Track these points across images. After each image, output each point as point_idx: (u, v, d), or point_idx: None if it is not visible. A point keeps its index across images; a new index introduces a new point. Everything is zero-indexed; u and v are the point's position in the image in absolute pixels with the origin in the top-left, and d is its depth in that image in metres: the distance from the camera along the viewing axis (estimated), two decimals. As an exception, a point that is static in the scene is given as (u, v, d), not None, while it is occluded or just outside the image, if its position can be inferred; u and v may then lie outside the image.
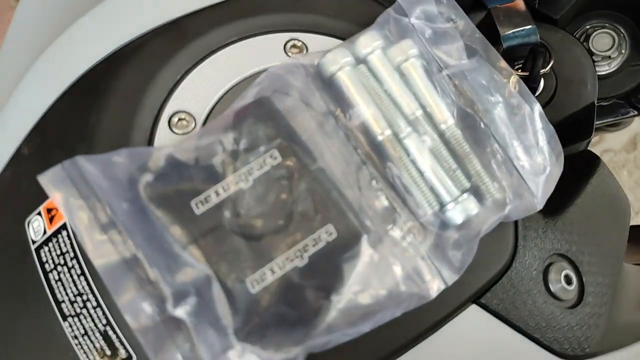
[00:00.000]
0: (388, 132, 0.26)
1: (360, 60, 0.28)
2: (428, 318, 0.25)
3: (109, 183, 0.22)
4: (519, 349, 0.26)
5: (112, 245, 0.21)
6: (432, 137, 0.27)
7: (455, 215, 0.25)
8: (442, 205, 0.26)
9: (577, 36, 0.49)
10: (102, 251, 0.21)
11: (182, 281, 0.21)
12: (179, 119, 0.26)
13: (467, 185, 0.26)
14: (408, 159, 0.26)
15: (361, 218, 0.24)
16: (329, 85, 0.27)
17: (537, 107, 0.29)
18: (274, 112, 0.24)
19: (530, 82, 0.41)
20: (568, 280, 0.29)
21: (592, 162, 0.37)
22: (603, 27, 0.49)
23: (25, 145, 0.27)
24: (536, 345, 0.27)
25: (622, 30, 0.49)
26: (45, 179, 0.22)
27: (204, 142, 0.23)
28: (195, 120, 0.26)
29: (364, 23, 0.29)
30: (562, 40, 0.44)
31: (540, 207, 0.27)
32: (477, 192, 0.27)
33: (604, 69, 0.49)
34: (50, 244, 0.25)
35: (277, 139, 0.23)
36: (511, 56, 0.41)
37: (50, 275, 0.24)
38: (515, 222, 0.28)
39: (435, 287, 0.24)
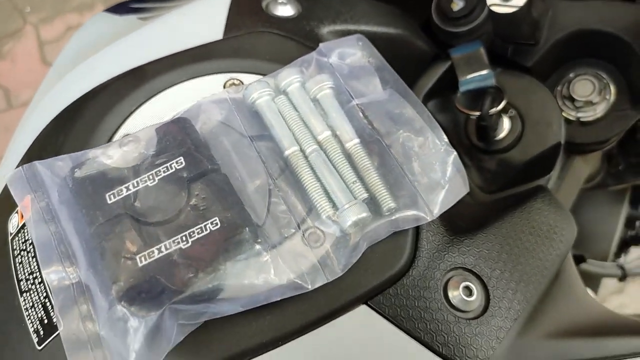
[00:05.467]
0: (295, 148, 0.31)
1: (280, 92, 0.33)
2: (316, 311, 0.28)
3: (54, 178, 0.28)
4: (406, 350, 0.28)
5: (47, 225, 0.27)
6: (336, 154, 0.31)
7: (345, 217, 0.28)
8: (337, 209, 0.29)
9: (561, 84, 0.50)
10: (39, 230, 0.27)
11: (87, 253, 0.26)
12: (129, 141, 0.32)
13: (365, 195, 0.30)
14: (309, 172, 0.30)
15: (255, 220, 0.28)
16: (250, 112, 0.32)
17: (441, 134, 0.32)
18: (188, 128, 0.29)
19: (480, 121, 0.43)
20: (468, 292, 0.30)
21: (535, 195, 0.38)
22: (585, 74, 0.50)
23: (20, 163, 0.35)
24: (424, 348, 0.28)
25: (605, 77, 0.49)
26: (9, 179, 0.29)
27: (125, 149, 0.29)
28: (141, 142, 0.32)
29: (294, 64, 0.34)
30: (527, 84, 0.46)
31: (431, 218, 0.29)
32: (374, 202, 0.30)
33: (589, 114, 0.49)
34: (20, 234, 0.31)
35: (184, 148, 0.28)
36: (474, 102, 0.44)
37: (17, 259, 0.31)
38: (417, 235, 0.30)
39: (314, 280, 0.27)
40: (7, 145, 0.43)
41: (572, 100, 0.49)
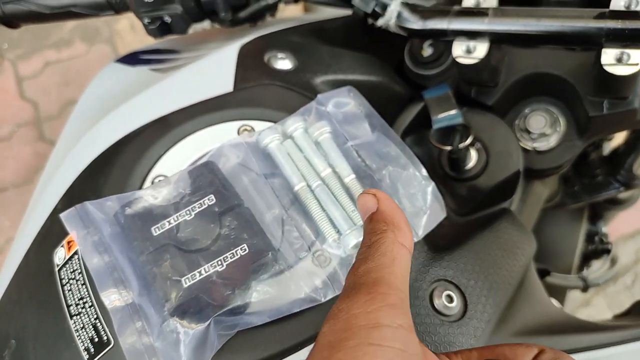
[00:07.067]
0: (302, 184, 0.37)
1: (287, 136, 0.39)
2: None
3: (102, 216, 0.34)
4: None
5: (100, 256, 0.33)
6: (337, 187, 0.37)
7: (348, 240, 0.34)
8: (340, 234, 0.35)
9: (518, 118, 0.58)
10: (94, 260, 0.32)
11: (139, 278, 0.31)
12: (159, 180, 0.38)
13: (362, 222, 0.36)
14: (316, 203, 0.36)
15: (275, 245, 0.34)
16: (263, 154, 0.38)
17: (421, 168, 0.39)
18: (215, 170, 0.35)
19: (452, 154, 0.50)
20: (450, 300, 0.36)
21: (500, 216, 0.45)
22: (538, 110, 0.58)
23: (59, 203, 0.40)
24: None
25: (555, 112, 0.57)
26: (64, 216, 0.34)
27: (165, 190, 0.35)
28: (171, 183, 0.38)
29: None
30: (489, 121, 0.53)
31: (417, 239, 0.36)
32: (369, 227, 0.36)
33: (543, 144, 0.57)
34: (68, 265, 0.36)
35: (214, 187, 0.34)
36: (446, 138, 0.51)
37: (65, 287, 0.36)
38: (405, 253, 0.37)
39: (325, 294, 0.33)
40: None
41: (529, 132, 0.57)
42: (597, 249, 1.04)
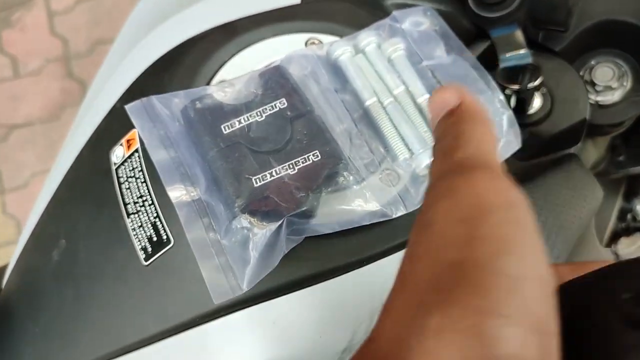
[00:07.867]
0: (374, 99, 0.35)
1: (359, 51, 0.37)
2: (397, 237, 0.32)
3: (168, 113, 0.32)
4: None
5: (166, 151, 0.31)
6: (409, 106, 0.35)
7: (421, 160, 0.33)
8: (412, 154, 0.33)
9: (583, 69, 0.55)
10: (159, 154, 0.31)
11: (207, 175, 0.30)
12: (225, 85, 0.36)
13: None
14: (388, 120, 0.34)
15: (346, 157, 0.32)
16: (333, 66, 0.36)
17: (498, 93, 0.36)
18: (286, 74, 0.34)
19: (520, 94, 0.48)
20: (520, 230, 0.35)
21: (570, 159, 0.43)
22: (605, 62, 0.55)
23: (118, 102, 0.38)
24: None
25: (624, 65, 0.54)
26: (129, 107, 0.32)
27: (235, 89, 0.33)
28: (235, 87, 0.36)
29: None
30: (557, 66, 0.51)
31: (492, 164, 0.34)
32: (442, 149, 0.34)
33: (607, 98, 0.54)
34: (126, 163, 0.35)
35: (285, 91, 0.32)
36: (513, 77, 0.49)
37: (123, 185, 0.34)
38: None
39: (396, 210, 0.31)
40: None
41: (593, 85, 0.54)
42: (630, 226, 1.02)
